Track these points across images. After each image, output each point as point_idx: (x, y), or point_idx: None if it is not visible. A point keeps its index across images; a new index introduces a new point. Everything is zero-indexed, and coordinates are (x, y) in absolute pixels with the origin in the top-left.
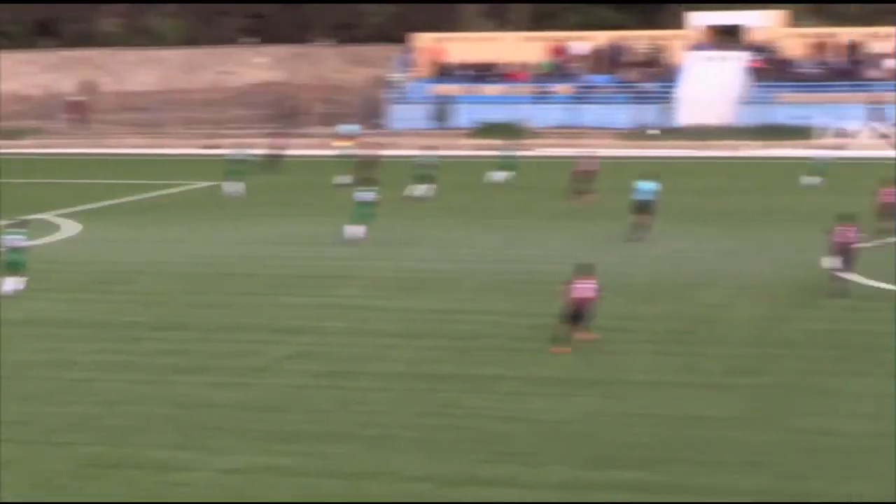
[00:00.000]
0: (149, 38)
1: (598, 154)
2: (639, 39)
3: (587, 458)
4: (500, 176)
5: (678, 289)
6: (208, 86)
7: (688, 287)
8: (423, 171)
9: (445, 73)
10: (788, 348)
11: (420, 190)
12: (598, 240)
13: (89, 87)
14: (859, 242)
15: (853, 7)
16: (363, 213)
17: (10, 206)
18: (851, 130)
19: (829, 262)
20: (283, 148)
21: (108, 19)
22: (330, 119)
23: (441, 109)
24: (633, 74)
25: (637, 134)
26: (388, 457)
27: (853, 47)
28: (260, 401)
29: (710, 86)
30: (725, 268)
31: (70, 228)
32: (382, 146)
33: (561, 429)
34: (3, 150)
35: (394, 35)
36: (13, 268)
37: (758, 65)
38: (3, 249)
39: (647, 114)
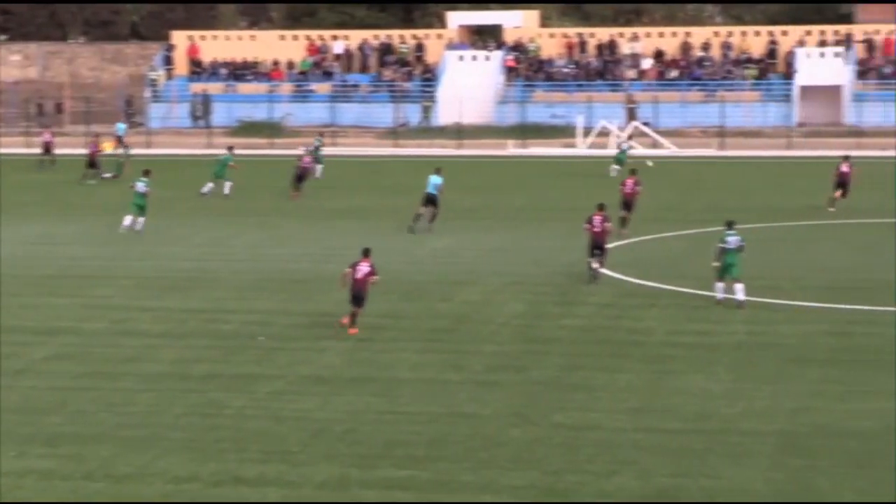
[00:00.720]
0: None
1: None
2: (398, 39)
3: (353, 457)
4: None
5: (442, 287)
6: None
7: (451, 285)
8: (219, 169)
9: (204, 71)
10: (551, 345)
11: (208, 187)
12: (362, 237)
13: None
14: (610, 231)
15: (607, 7)
16: (140, 203)
17: None
18: (610, 129)
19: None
20: (50, 147)
21: None
22: (87, 118)
23: (200, 108)
24: (392, 74)
25: (398, 133)
26: (153, 458)
27: (608, 47)
28: (19, 403)
29: (468, 85)
30: (488, 265)
31: None
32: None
33: (327, 427)
34: None
35: (151, 33)
36: None
37: (514, 64)
38: None
39: (407, 113)
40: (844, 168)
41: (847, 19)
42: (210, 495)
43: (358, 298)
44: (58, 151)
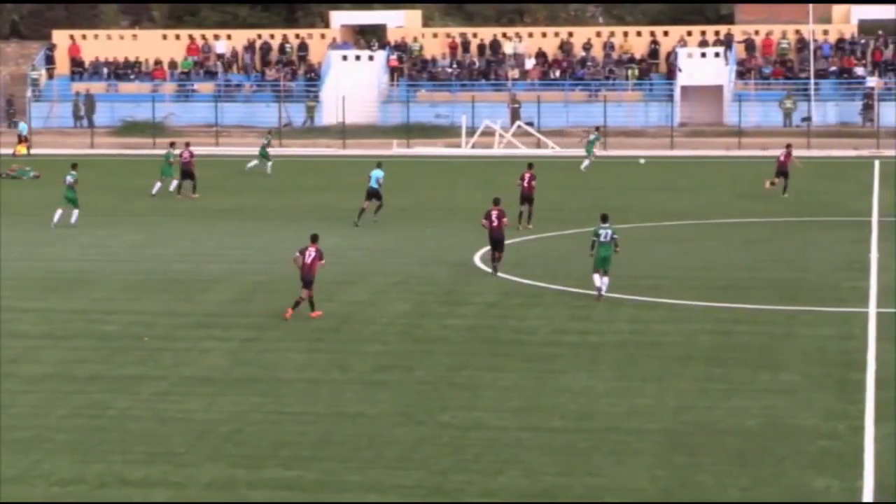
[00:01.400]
0: None
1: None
2: (281, 38)
3: (240, 457)
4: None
5: (327, 287)
6: None
7: (337, 285)
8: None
9: (86, 71)
10: (436, 344)
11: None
12: (245, 237)
13: None
14: (507, 224)
15: (490, 7)
16: (70, 196)
17: None
18: (494, 128)
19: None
20: None
21: None
22: None
23: (82, 107)
24: (276, 73)
25: (282, 133)
26: (37, 460)
27: (491, 47)
28: None
29: (352, 85)
30: (373, 265)
31: None
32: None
33: (212, 428)
34: None
35: (32, 32)
36: None
37: (398, 64)
38: None
39: (291, 113)
40: (783, 158)
41: (727, 20)
42: (96, 497)
43: (307, 281)
44: None
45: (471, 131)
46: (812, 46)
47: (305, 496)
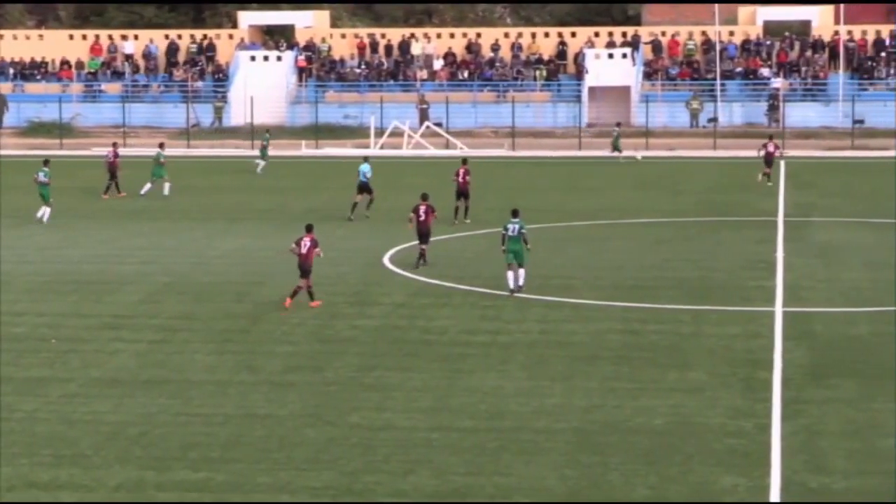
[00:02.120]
0: None
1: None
2: (188, 39)
3: (148, 459)
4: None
5: (236, 287)
6: None
7: (245, 285)
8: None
9: None
10: (346, 345)
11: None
12: (153, 238)
13: None
14: (435, 219)
15: (398, 8)
16: (43, 193)
17: None
18: (403, 129)
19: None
20: None
21: None
22: None
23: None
24: (183, 74)
25: (190, 133)
26: None
27: (400, 48)
28: None
29: (260, 85)
30: (281, 266)
31: None
32: None
33: (120, 430)
34: None
35: None
36: None
37: (306, 64)
38: None
39: (199, 113)
40: (770, 148)
41: (634, 21)
42: (3, 499)
43: (305, 271)
44: None
45: (379, 132)
46: (718, 48)
47: (215, 497)
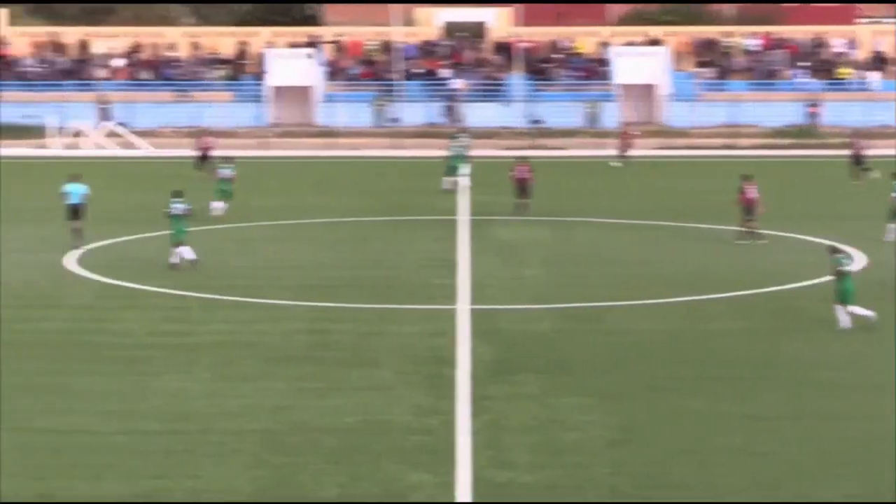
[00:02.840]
0: None
1: None
2: None
3: None
4: None
5: None
6: None
7: None
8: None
9: None
10: (30, 349)
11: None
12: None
13: None
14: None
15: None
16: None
17: None
18: (83, 129)
19: None
20: None
21: None
22: None
23: None
24: None
25: None
26: None
27: (80, 47)
28: None
29: None
30: None
31: None
32: None
33: None
34: None
35: None
36: None
37: None
38: None
39: None
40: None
41: (314, 21)
42: None
43: None
44: None
45: (60, 132)
46: (398, 48)
47: None
